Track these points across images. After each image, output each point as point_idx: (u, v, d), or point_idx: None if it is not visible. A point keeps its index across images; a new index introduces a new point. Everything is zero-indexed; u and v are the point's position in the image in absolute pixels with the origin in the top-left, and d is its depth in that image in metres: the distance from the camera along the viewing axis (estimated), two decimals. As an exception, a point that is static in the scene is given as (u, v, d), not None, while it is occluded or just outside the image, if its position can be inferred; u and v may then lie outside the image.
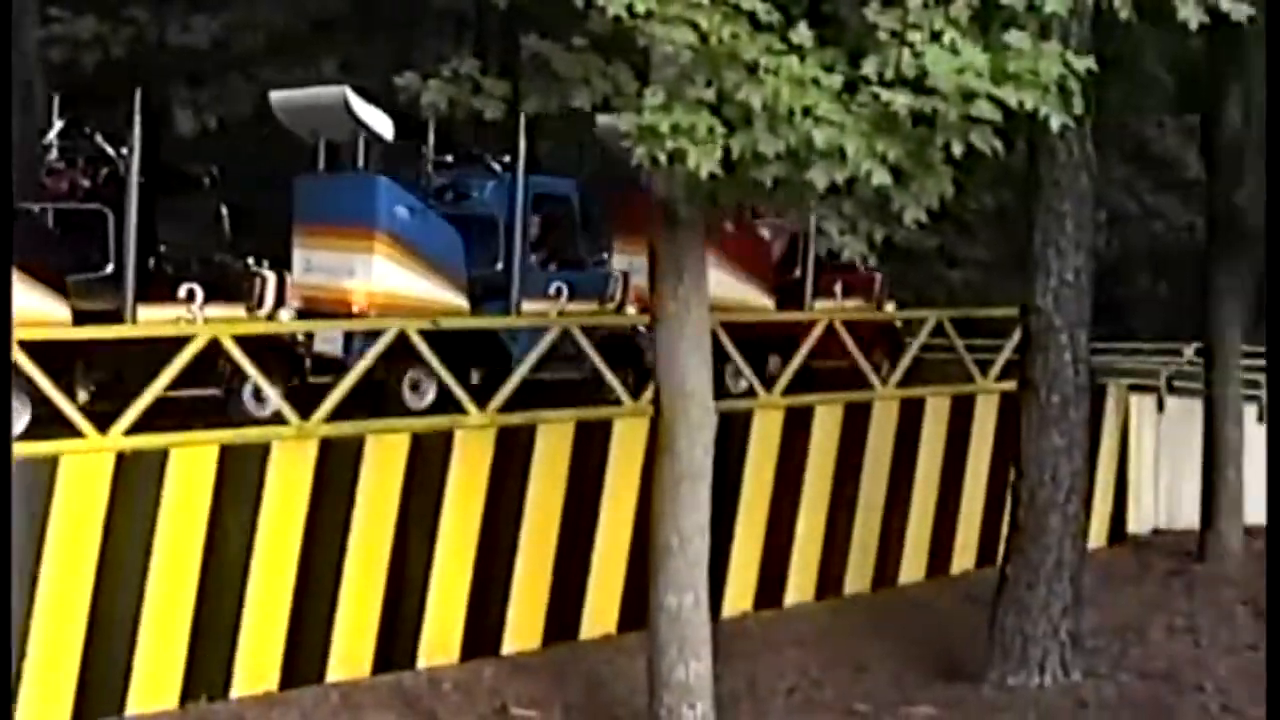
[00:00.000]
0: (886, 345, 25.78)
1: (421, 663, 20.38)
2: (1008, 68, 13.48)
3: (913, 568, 24.90)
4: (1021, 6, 13.87)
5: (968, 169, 14.20)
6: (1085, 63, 13.75)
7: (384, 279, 21.30)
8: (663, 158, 13.73)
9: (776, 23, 13.84)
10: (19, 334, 17.49)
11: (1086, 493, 21.82)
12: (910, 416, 24.73)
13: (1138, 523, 28.05)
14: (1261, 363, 28.87)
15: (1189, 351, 29.55)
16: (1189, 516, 27.12)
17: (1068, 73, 13.60)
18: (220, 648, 18.94)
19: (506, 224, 22.43)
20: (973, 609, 21.80)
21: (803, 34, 13.78)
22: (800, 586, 23.64)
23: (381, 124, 21.46)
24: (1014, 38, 13.65)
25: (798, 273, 25.41)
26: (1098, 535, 26.58)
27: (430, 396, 21.09)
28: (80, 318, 18.90)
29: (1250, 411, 27.45)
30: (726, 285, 22.98)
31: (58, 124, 21.37)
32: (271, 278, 20.60)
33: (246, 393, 19.94)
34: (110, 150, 20.01)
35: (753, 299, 24.29)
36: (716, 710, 17.43)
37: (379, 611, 20.04)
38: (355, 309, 21.29)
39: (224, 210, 21.72)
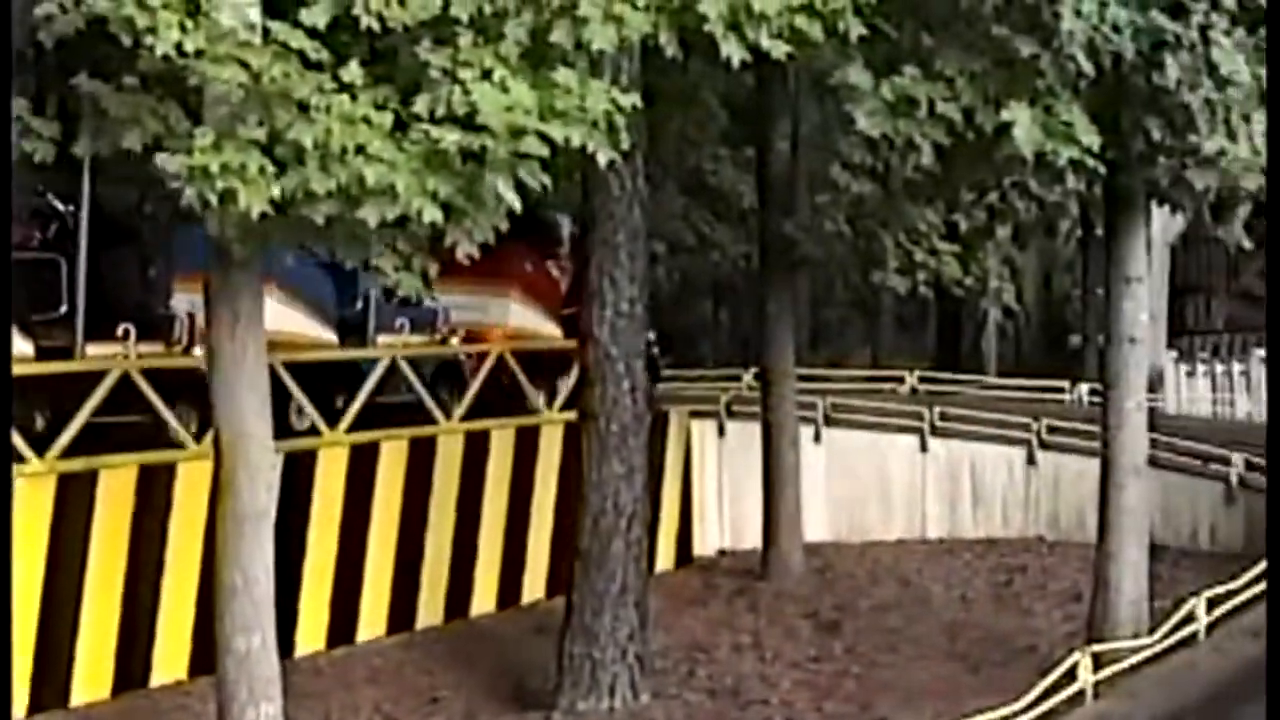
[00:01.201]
0: None
1: (-16, 719, 19.84)
2: (556, 104, 13.72)
3: (484, 599, 25.12)
4: (571, 44, 14.10)
5: (535, 203, 14.40)
6: (631, 99, 14.05)
7: (273, 319, 22.09)
8: (213, 198, 13.64)
9: (327, 61, 13.86)
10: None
11: (651, 518, 22.31)
12: (476, 449, 24.96)
13: (703, 545, 28.71)
14: (814, 385, 29.86)
15: (748, 377, 30.37)
16: (753, 537, 27.80)
17: (614, 109, 13.88)
18: None
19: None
20: (544, 637, 22.12)
21: (354, 72, 13.81)
22: (372, 622, 23.67)
23: None
24: (561, 75, 13.88)
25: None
26: (665, 559, 27.21)
27: None
28: (41, 353, 20.83)
29: (806, 433, 28.33)
30: (530, 319, 27.52)
31: None
32: (188, 320, 22.35)
33: (170, 418, 21.68)
34: (61, 207, 21.98)
35: (545, 329, 27.56)
36: (289, 750, 17.32)
37: (-64, 669, 19.46)
38: None
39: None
